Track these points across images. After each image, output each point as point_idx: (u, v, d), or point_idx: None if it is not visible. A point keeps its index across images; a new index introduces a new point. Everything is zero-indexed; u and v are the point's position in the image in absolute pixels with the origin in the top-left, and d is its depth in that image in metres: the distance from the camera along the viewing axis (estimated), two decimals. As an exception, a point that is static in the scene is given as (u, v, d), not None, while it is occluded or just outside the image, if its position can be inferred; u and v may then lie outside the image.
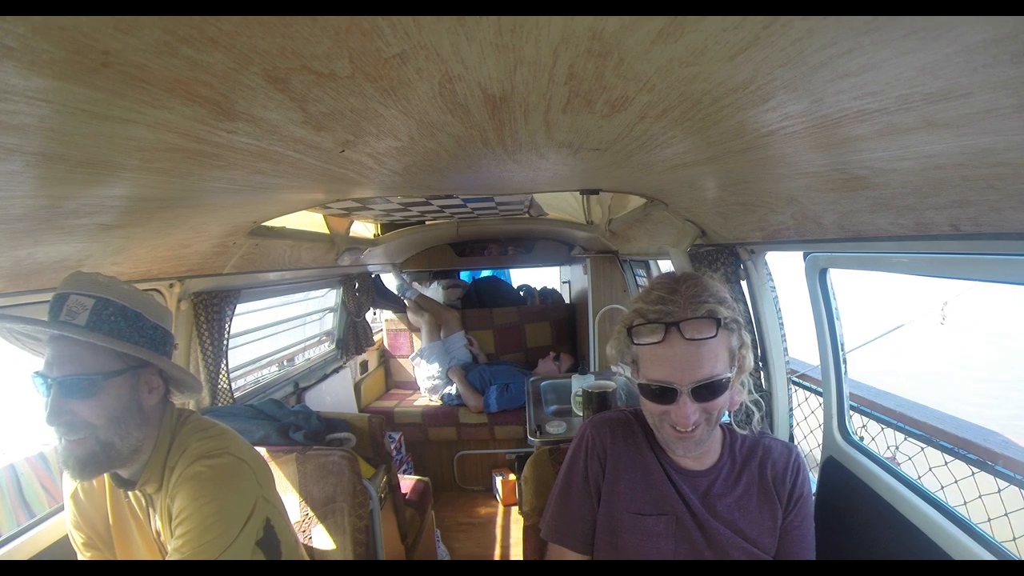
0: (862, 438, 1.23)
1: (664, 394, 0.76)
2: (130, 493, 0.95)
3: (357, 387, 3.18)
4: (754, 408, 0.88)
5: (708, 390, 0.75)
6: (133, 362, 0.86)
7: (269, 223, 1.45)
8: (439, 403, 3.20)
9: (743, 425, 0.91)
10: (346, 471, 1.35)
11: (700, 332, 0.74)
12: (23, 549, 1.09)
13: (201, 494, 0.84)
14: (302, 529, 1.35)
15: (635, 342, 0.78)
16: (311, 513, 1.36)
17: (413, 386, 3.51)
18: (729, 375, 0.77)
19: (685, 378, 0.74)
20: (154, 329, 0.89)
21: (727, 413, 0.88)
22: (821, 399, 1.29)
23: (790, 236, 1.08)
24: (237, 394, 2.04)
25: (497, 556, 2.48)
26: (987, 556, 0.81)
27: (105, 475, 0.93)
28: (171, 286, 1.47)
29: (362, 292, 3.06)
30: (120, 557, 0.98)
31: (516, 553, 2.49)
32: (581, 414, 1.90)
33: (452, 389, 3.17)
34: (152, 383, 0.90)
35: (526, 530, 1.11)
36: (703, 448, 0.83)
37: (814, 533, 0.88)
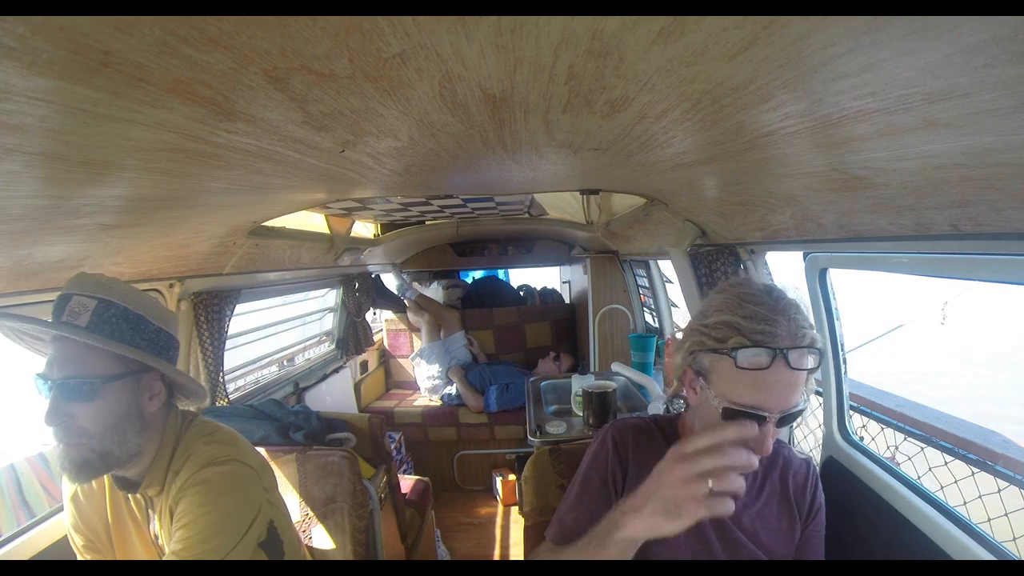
0: (862, 438, 1.23)
1: (753, 420, 0.71)
2: (130, 495, 0.94)
3: (357, 387, 3.18)
4: None
5: (788, 419, 0.72)
6: (134, 366, 0.85)
7: (269, 223, 1.45)
8: (439, 403, 3.20)
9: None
10: (346, 471, 1.35)
11: (804, 363, 0.71)
12: (23, 549, 1.09)
13: (206, 501, 0.83)
14: (302, 529, 1.35)
15: (739, 365, 0.72)
16: (311, 513, 1.36)
17: (413, 386, 3.51)
18: (807, 406, 0.75)
19: (777, 407, 0.71)
20: (157, 333, 0.88)
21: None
22: (821, 399, 1.29)
23: (790, 236, 1.08)
24: (237, 394, 2.04)
25: (497, 556, 2.48)
26: (987, 556, 0.81)
27: (105, 477, 0.93)
28: (171, 286, 1.47)
29: (362, 292, 3.05)
30: (119, 559, 0.97)
31: (516, 553, 2.49)
32: (581, 414, 1.90)
33: (452, 389, 3.17)
34: (154, 389, 0.89)
35: (526, 530, 1.11)
36: None
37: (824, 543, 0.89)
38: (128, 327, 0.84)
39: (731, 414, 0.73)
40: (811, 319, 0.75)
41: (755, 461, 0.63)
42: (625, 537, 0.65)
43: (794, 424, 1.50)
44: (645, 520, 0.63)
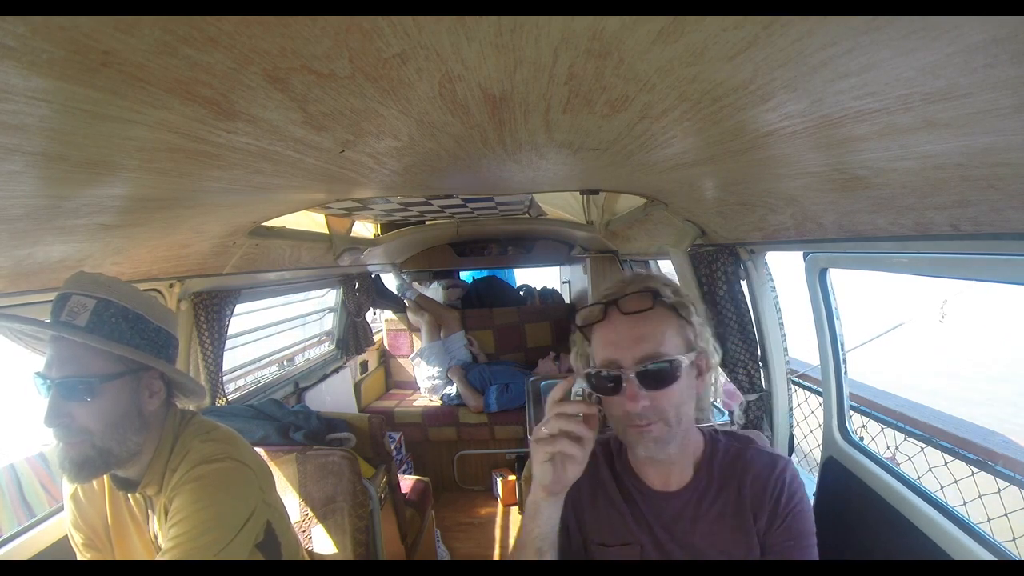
0: (862, 438, 1.23)
1: (612, 380, 0.73)
2: (130, 495, 0.94)
3: (357, 387, 3.18)
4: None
5: (655, 376, 0.71)
6: (134, 365, 0.85)
7: (269, 223, 1.45)
8: (439, 403, 3.20)
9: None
10: (346, 471, 1.35)
11: (638, 305, 0.73)
12: (23, 549, 1.09)
13: (200, 498, 0.83)
14: (302, 529, 1.35)
15: (578, 324, 0.78)
16: (311, 513, 1.36)
17: (413, 386, 3.51)
18: (679, 359, 0.72)
19: (628, 356, 0.72)
20: (156, 332, 0.88)
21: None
22: (821, 399, 1.29)
23: (790, 236, 1.08)
24: (237, 394, 2.04)
25: (497, 556, 2.48)
26: (987, 556, 0.81)
27: (105, 476, 0.93)
28: (171, 286, 1.47)
29: (362, 292, 3.06)
30: (119, 558, 0.97)
31: (516, 553, 2.48)
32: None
33: (452, 389, 3.17)
34: (153, 387, 0.89)
35: (526, 530, 1.11)
36: (667, 452, 0.75)
37: (815, 548, 0.77)
38: (127, 326, 0.84)
39: (589, 379, 0.77)
40: (672, 283, 0.77)
41: (584, 431, 0.72)
42: (531, 501, 0.73)
43: (794, 421, 1.50)
44: (535, 485, 0.73)
